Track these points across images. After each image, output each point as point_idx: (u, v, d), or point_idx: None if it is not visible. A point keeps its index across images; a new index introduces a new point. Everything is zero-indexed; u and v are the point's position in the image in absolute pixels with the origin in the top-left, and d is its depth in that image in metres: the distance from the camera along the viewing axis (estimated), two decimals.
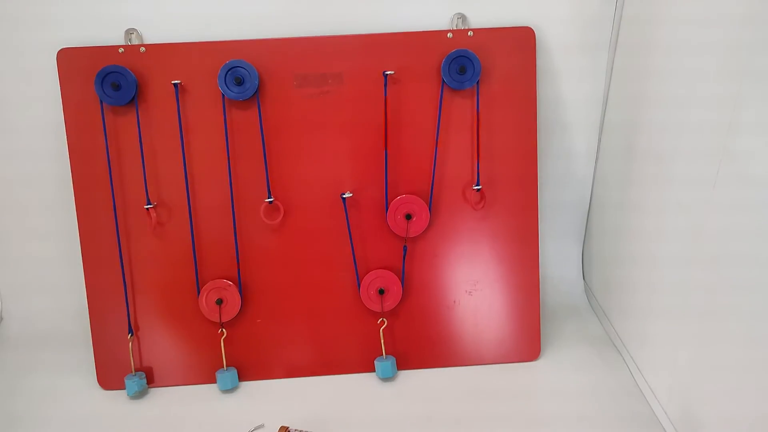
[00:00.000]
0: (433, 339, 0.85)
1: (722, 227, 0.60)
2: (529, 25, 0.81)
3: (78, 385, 0.83)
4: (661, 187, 0.72)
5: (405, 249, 0.83)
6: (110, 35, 0.80)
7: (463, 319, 0.85)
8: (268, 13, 0.82)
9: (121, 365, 0.82)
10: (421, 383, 0.83)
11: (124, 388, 0.81)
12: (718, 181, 0.59)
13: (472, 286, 0.85)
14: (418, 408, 0.78)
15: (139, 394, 0.81)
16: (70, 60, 0.78)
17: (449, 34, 0.80)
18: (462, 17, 0.82)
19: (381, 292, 0.82)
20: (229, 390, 0.82)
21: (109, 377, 0.83)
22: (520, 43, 0.80)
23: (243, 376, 0.84)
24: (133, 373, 0.82)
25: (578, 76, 0.88)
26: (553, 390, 0.81)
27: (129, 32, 0.80)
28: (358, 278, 0.83)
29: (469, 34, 0.80)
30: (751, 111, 0.55)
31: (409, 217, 0.81)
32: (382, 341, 0.84)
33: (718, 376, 0.62)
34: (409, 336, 0.85)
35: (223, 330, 0.82)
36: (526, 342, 0.86)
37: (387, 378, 0.83)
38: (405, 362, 0.85)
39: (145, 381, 0.82)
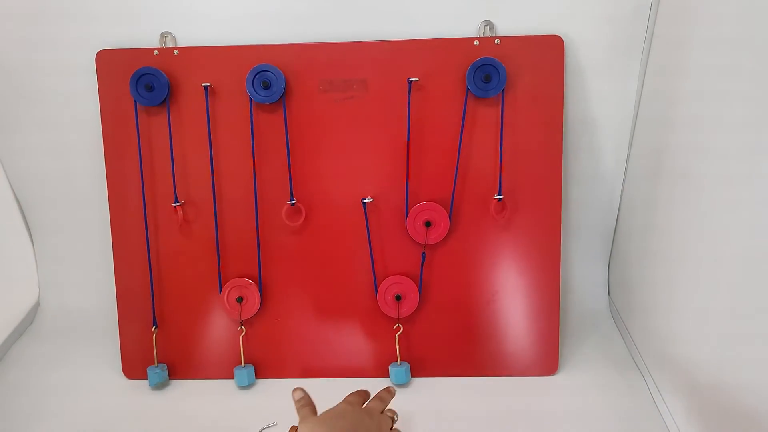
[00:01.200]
0: (449, 347, 0.85)
1: (749, 249, 0.57)
2: (559, 33, 0.79)
3: (104, 373, 0.87)
4: (693, 192, 0.70)
5: (423, 256, 0.82)
6: (147, 37, 0.83)
7: (479, 329, 0.84)
8: (295, 18, 0.83)
9: (144, 356, 0.85)
10: (434, 391, 0.82)
11: (147, 379, 0.84)
12: (749, 202, 0.57)
13: (491, 296, 0.84)
14: (430, 416, 0.77)
15: (161, 386, 0.84)
16: (108, 61, 0.82)
17: (476, 42, 0.79)
18: (490, 25, 0.81)
19: (398, 298, 0.82)
20: (245, 386, 0.84)
21: (133, 367, 0.86)
22: (549, 52, 0.79)
23: (259, 374, 0.85)
24: (156, 365, 0.85)
25: (608, 82, 0.86)
26: (567, 407, 0.79)
27: (164, 35, 0.83)
28: (375, 283, 0.83)
29: (496, 41, 0.79)
30: None
31: (428, 224, 0.81)
32: (398, 347, 0.84)
33: (738, 400, 0.59)
34: (425, 343, 0.85)
35: (243, 327, 0.84)
36: (544, 356, 0.84)
37: (401, 384, 0.83)
38: (419, 369, 0.84)
39: (166, 373, 0.85)
